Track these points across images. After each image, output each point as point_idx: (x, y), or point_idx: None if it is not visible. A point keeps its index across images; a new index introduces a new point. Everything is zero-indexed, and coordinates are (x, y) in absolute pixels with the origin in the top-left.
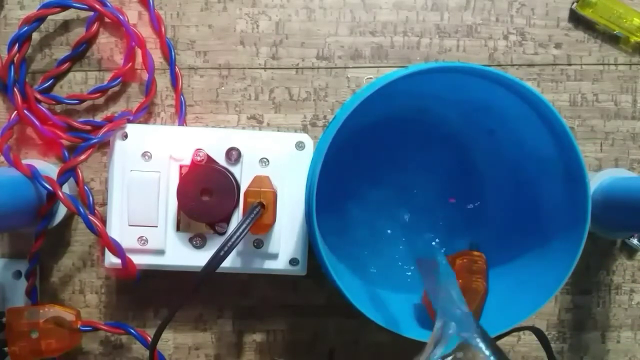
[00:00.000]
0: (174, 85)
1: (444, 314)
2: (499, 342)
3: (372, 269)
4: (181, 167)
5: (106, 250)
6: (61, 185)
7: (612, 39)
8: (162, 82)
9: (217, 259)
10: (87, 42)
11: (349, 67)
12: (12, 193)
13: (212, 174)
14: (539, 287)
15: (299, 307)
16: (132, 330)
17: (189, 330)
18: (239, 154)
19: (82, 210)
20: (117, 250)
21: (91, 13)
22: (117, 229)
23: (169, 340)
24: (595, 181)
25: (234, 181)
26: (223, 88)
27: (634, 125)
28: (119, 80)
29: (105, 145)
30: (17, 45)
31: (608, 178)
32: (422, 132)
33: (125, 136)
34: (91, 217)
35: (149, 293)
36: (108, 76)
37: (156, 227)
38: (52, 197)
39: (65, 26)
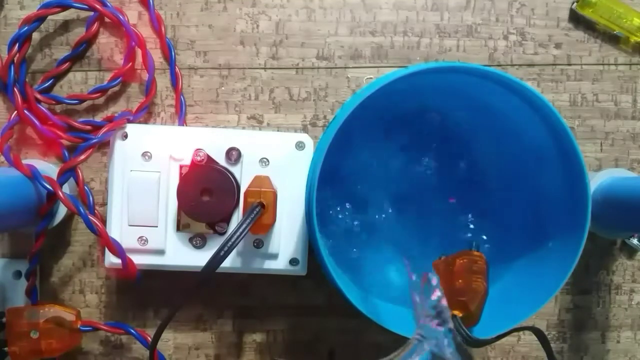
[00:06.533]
0: (174, 85)
1: (423, 328)
2: (499, 342)
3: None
4: (181, 167)
5: (106, 250)
6: (61, 185)
7: (612, 39)
8: (162, 82)
9: (217, 259)
10: (87, 42)
11: (349, 67)
12: (12, 193)
13: (212, 174)
14: (539, 287)
15: (299, 307)
16: (132, 330)
17: (189, 330)
18: (239, 154)
19: (82, 210)
20: (117, 250)
21: (91, 13)
22: (117, 229)
23: (169, 340)
24: (595, 181)
25: (234, 181)
26: (223, 88)
27: (634, 125)
28: (119, 80)
29: (105, 145)
30: (17, 45)
31: (608, 178)
32: (422, 131)
33: (125, 136)
34: (91, 217)
35: (149, 293)
36: (108, 76)
37: (156, 227)
38: (52, 197)
39: (65, 26)
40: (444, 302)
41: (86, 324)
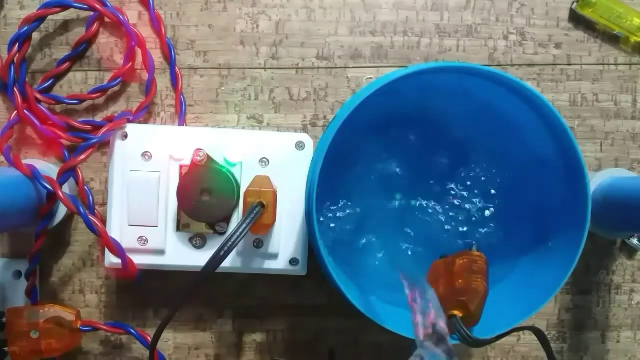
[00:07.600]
0: (174, 85)
1: (423, 351)
2: (499, 342)
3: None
4: (181, 167)
5: (106, 250)
6: (61, 185)
7: (612, 39)
8: (162, 82)
9: (217, 259)
10: (87, 42)
11: (349, 67)
12: (12, 193)
13: (212, 174)
14: (539, 287)
15: (299, 307)
16: (132, 330)
17: (189, 330)
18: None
19: (82, 210)
20: (117, 250)
21: (91, 13)
22: (117, 229)
23: (169, 340)
24: (595, 181)
25: (234, 181)
26: (223, 88)
27: (634, 125)
28: (119, 80)
29: (105, 145)
30: (17, 45)
31: (608, 178)
32: (422, 131)
33: (125, 136)
34: (91, 217)
35: (149, 293)
36: (108, 76)
37: (156, 227)
38: (52, 197)
39: (65, 26)
40: (443, 325)
41: (86, 324)
